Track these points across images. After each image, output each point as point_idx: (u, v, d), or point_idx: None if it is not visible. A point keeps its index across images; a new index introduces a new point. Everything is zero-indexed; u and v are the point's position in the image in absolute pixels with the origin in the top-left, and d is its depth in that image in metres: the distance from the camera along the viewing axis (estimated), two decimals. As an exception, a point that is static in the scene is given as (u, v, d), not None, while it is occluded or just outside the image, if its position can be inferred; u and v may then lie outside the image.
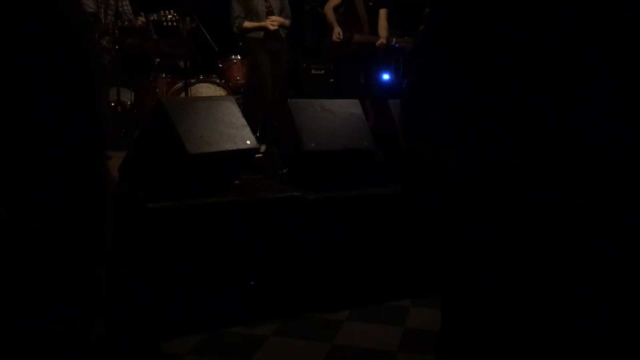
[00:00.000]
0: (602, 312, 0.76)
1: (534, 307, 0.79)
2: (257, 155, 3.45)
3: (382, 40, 5.18)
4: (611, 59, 0.74)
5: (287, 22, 5.16)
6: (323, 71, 6.53)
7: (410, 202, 0.99)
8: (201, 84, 5.51)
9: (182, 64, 5.53)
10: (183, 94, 5.08)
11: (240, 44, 5.29)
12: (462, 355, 0.89)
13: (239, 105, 3.44)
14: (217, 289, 2.88)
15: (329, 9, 5.35)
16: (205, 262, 2.85)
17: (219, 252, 2.89)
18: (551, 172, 0.77)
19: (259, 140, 3.55)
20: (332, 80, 6.27)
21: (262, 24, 5.01)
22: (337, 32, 5.25)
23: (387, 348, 2.70)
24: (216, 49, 5.87)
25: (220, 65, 5.82)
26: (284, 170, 3.44)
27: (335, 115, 3.40)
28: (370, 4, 5.28)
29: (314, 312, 3.05)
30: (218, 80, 5.63)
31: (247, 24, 5.04)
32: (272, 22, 5.01)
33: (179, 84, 5.41)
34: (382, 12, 5.33)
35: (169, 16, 4.78)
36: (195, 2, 5.43)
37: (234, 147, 2.98)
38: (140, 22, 4.54)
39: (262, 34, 5.04)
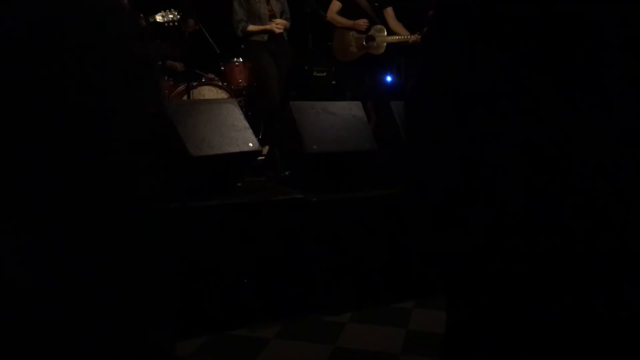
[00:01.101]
0: (608, 314, 0.75)
1: (540, 307, 0.79)
2: (259, 158, 3.45)
3: (416, 37, 5.10)
4: (616, 68, 0.74)
5: (288, 24, 5.18)
6: (325, 73, 6.53)
7: (414, 201, 0.99)
8: (203, 87, 5.52)
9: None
10: (185, 97, 5.08)
11: (242, 46, 5.29)
12: (468, 358, 0.89)
13: (241, 107, 3.44)
14: (219, 291, 2.88)
15: (333, 13, 5.30)
16: (207, 264, 2.86)
17: (221, 254, 2.89)
18: (551, 171, 0.77)
19: (261, 142, 3.56)
20: (334, 82, 6.26)
21: (267, 27, 5.02)
22: (363, 22, 5.17)
23: (390, 350, 2.70)
24: (218, 51, 5.88)
25: (222, 68, 5.83)
26: (287, 173, 3.44)
27: (337, 117, 3.40)
28: (376, 4, 5.23)
29: (316, 314, 3.05)
30: (220, 83, 5.63)
31: (252, 27, 5.04)
32: (277, 25, 5.02)
33: (181, 87, 5.42)
34: (390, 11, 5.25)
35: (170, 16, 4.75)
36: (197, 4, 5.43)
37: (237, 149, 2.98)
38: None
39: (266, 37, 5.04)
